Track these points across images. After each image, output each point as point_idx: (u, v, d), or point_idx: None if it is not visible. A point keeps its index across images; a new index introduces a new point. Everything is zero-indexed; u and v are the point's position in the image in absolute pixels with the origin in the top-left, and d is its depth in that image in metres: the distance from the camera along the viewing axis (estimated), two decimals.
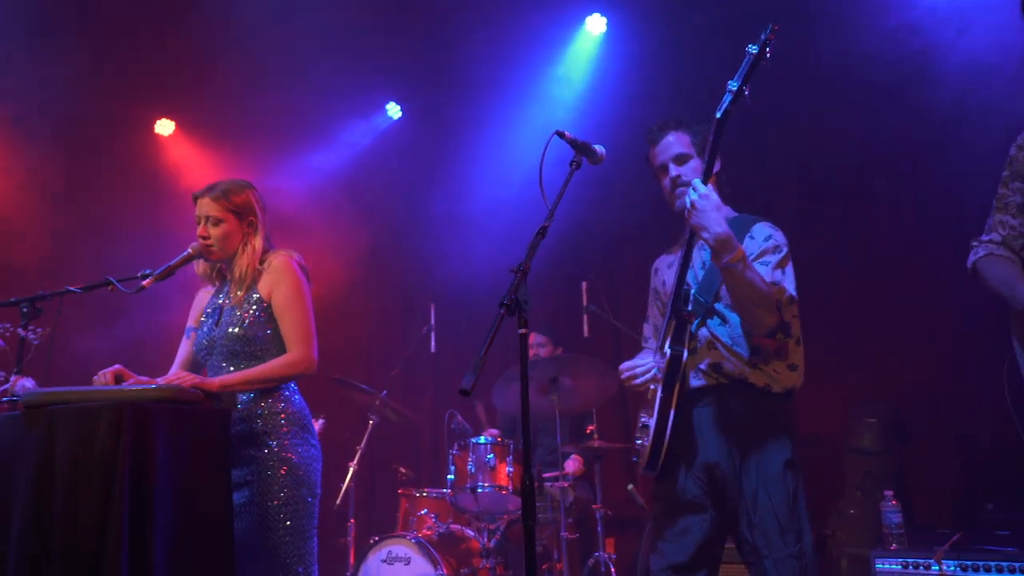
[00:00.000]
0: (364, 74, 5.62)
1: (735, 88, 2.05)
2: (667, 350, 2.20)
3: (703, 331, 2.26)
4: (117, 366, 2.31)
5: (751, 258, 2.21)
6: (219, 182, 2.58)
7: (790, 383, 2.26)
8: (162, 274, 2.46)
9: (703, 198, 2.07)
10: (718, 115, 2.08)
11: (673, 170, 2.35)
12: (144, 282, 2.43)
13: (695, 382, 2.25)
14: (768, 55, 2.01)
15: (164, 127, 5.87)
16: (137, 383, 2.27)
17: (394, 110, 6.05)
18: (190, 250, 2.53)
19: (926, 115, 4.35)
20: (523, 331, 1.90)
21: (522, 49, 5.32)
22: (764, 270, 2.21)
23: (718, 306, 2.27)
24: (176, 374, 2.31)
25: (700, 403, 2.25)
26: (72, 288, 2.44)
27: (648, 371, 2.27)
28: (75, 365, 2.45)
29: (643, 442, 2.29)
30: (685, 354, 2.20)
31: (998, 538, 3.40)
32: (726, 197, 2.40)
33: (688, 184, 2.30)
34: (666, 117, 2.42)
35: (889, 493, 3.59)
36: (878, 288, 4.65)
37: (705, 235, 2.08)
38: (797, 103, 4.58)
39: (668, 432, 2.16)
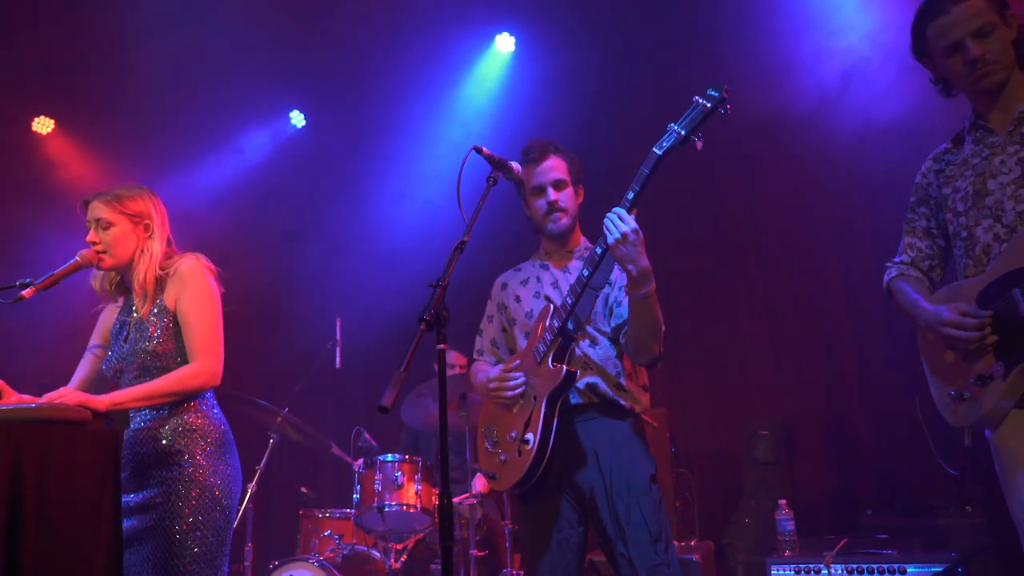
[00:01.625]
0: (267, 80, 5.46)
1: (683, 134, 2.06)
2: (553, 366, 2.24)
3: (577, 351, 2.33)
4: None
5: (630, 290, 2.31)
6: (113, 187, 2.42)
7: (646, 403, 2.41)
8: (44, 284, 2.26)
9: (636, 232, 2.09)
10: (659, 152, 2.08)
11: (551, 194, 2.41)
12: (24, 292, 2.23)
13: (572, 400, 2.32)
14: (725, 113, 2.03)
15: (42, 125, 5.46)
16: (19, 401, 2.07)
17: (298, 119, 5.88)
18: (78, 258, 2.34)
19: (826, 153, 4.68)
20: (442, 347, 1.89)
21: (431, 64, 5.33)
22: None
23: (589, 328, 2.36)
24: (59, 391, 2.12)
25: (575, 421, 2.32)
26: None
27: (520, 385, 2.30)
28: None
29: (507, 457, 2.30)
30: (579, 372, 2.25)
31: (879, 542, 3.65)
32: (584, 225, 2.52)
33: (565, 211, 2.42)
34: (543, 139, 2.47)
35: (783, 502, 3.78)
36: (773, 315, 4.98)
37: (631, 267, 2.12)
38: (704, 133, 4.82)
39: (550, 448, 2.21)
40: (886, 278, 2.24)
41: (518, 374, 2.31)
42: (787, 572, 3.52)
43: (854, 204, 4.70)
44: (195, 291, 2.35)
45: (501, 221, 3.52)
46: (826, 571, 3.40)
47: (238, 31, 5.04)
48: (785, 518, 3.69)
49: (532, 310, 2.44)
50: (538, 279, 2.50)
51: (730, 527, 4.62)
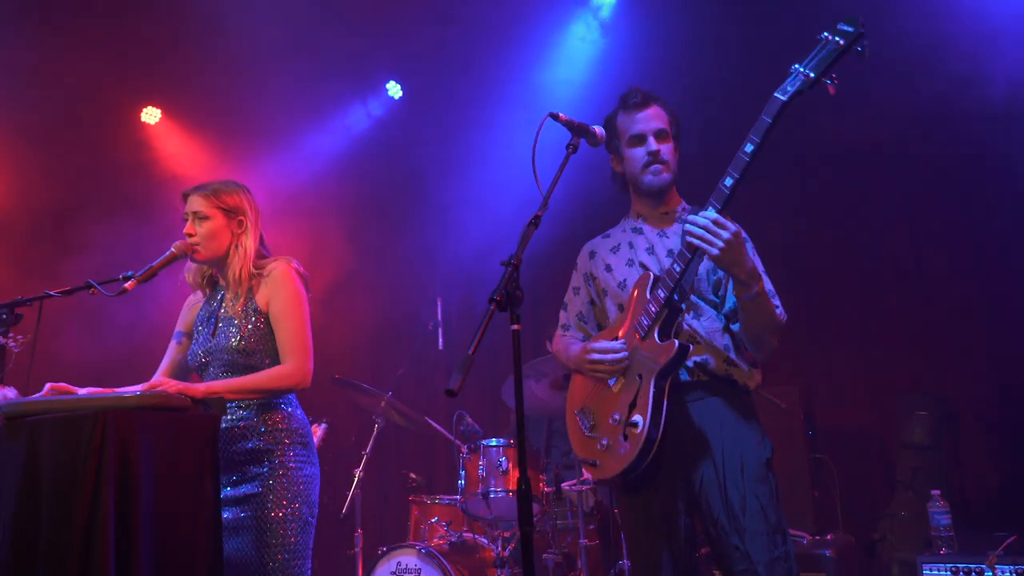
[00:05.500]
0: (362, 52, 5.70)
1: (812, 76, 2.00)
2: (662, 340, 2.20)
3: (683, 324, 2.30)
4: (61, 384, 2.35)
5: None
6: (211, 181, 2.68)
7: (759, 378, 2.36)
8: (144, 275, 2.54)
9: (735, 235, 2.07)
10: (783, 98, 2.03)
11: (652, 144, 2.37)
12: (126, 284, 2.51)
13: (680, 377, 2.28)
14: (861, 51, 1.96)
15: (150, 115, 5.97)
16: (92, 393, 2.36)
17: (395, 89, 6.11)
18: (173, 249, 2.60)
19: (975, 102, 4.33)
20: (516, 327, 1.96)
21: (530, 23, 5.37)
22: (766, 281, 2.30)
23: (693, 298, 2.33)
24: (159, 380, 2.41)
25: (684, 400, 2.28)
26: (52, 292, 2.54)
27: (624, 358, 2.26)
28: (57, 372, 2.55)
29: (609, 443, 2.25)
30: (691, 347, 2.22)
31: None
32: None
33: (667, 164, 2.37)
34: (643, 88, 2.44)
35: (936, 493, 3.61)
36: (929, 273, 4.69)
37: (737, 271, 2.12)
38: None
39: (661, 431, 2.17)
40: None
41: (620, 344, 2.28)
42: (942, 572, 3.37)
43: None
44: (287, 295, 2.59)
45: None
46: (989, 573, 3.23)
47: (332, 2, 5.32)
48: (940, 511, 3.52)
49: (626, 279, 2.41)
50: (631, 245, 2.46)
51: (883, 520, 4.47)
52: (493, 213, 5.36)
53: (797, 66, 2.02)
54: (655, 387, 2.19)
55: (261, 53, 5.38)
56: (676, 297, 2.24)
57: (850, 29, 1.95)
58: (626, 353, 2.27)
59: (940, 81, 4.34)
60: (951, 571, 3.36)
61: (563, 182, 2.18)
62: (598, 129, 2.34)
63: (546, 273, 4.84)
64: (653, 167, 2.39)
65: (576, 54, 5.49)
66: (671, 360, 2.18)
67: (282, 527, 2.48)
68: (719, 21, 4.97)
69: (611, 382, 2.32)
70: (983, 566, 3.26)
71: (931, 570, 3.40)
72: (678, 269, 2.19)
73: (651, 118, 2.40)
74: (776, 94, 2.03)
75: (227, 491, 2.52)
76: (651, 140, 2.38)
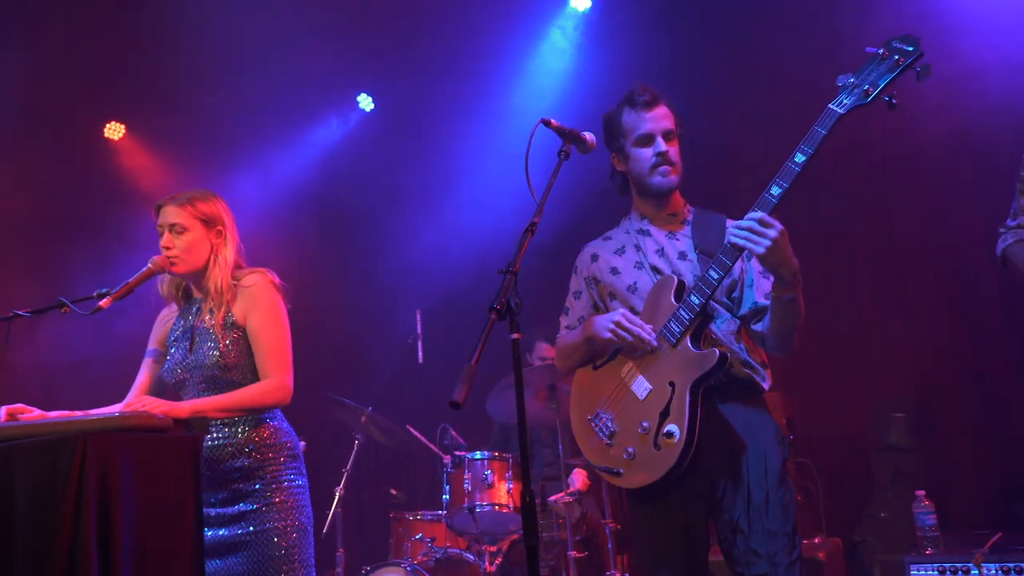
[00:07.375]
0: (331, 65, 5.62)
1: (872, 92, 1.98)
2: (697, 348, 2.17)
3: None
4: (19, 406, 2.22)
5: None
6: (185, 191, 2.58)
7: (770, 380, 2.33)
8: (120, 293, 2.43)
9: (782, 233, 2.03)
10: (840, 111, 2.01)
11: (661, 144, 2.33)
12: (101, 302, 2.40)
13: None
14: (920, 71, 1.93)
15: (113, 131, 5.82)
16: (61, 416, 2.23)
17: (366, 102, 6.04)
18: (150, 265, 2.50)
19: (955, 114, 4.40)
20: (516, 336, 1.91)
21: (502, 34, 5.36)
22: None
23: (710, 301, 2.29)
24: (142, 400, 2.30)
25: (708, 404, 2.21)
26: (21, 312, 2.41)
27: (648, 340, 2.17)
28: (30, 394, 2.42)
29: (636, 451, 2.18)
30: (729, 357, 2.16)
31: None
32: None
33: (675, 166, 2.34)
34: (651, 86, 2.39)
35: (921, 493, 3.63)
36: (899, 278, 4.77)
37: (783, 271, 2.08)
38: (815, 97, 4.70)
39: (696, 441, 2.11)
40: (1001, 246, 2.15)
41: (646, 324, 2.19)
42: (930, 572, 3.37)
43: (998, 154, 4.42)
44: (265, 309, 2.52)
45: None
46: (976, 571, 3.25)
47: (298, 15, 5.24)
48: (924, 511, 3.54)
49: (636, 283, 2.35)
50: (637, 247, 2.40)
51: (863, 523, 4.49)
52: (469, 223, 5.31)
53: (849, 78, 1.99)
54: (691, 396, 2.13)
55: (229, 67, 5.28)
56: (712, 303, 2.20)
57: (909, 48, 1.92)
58: (656, 341, 2.20)
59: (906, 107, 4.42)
60: (938, 570, 3.37)
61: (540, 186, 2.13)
62: (589, 136, 2.30)
63: (541, 281, 4.82)
64: (662, 168, 2.34)
65: (551, 64, 5.49)
66: (711, 370, 2.12)
67: (283, 540, 2.45)
68: (696, 29, 4.99)
69: (637, 391, 2.23)
70: (970, 564, 3.27)
71: (919, 570, 3.41)
72: (715, 276, 2.14)
73: (660, 118, 2.35)
74: (832, 106, 2.01)
75: (220, 510, 2.46)
76: (660, 140, 2.34)
